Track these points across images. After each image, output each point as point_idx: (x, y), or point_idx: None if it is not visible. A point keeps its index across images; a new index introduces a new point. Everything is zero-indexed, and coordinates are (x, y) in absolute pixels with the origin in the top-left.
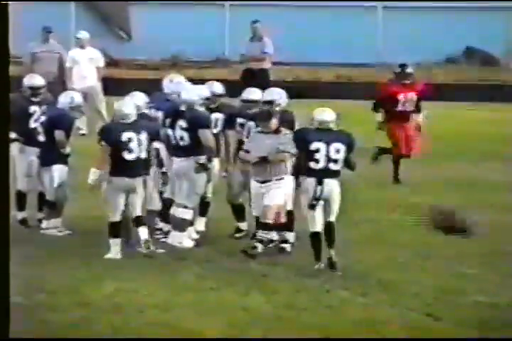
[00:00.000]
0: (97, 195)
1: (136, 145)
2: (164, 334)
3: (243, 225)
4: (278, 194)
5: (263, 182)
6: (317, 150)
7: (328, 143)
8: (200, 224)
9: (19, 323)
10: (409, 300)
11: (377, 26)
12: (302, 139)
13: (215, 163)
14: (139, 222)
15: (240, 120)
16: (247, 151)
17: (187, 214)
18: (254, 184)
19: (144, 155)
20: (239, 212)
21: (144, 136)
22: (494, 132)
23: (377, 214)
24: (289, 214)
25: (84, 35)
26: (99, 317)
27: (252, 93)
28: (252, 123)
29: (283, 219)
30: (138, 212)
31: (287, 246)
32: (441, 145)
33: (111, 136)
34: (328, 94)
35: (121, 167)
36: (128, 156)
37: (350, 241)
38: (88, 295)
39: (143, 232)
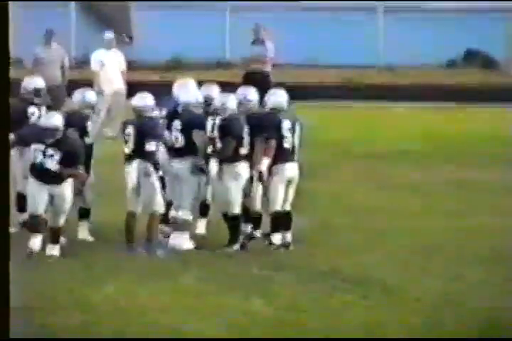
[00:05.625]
0: (99, 199)
1: None
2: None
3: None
4: None
5: None
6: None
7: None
8: (201, 226)
9: (19, 327)
10: (410, 303)
11: (378, 28)
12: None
13: (213, 166)
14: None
15: None
16: None
17: (187, 215)
18: None
19: None
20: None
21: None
22: (495, 134)
23: (378, 217)
24: (288, 214)
25: (110, 36)
26: (100, 320)
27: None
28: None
29: None
30: None
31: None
32: (441, 147)
33: None
34: (331, 96)
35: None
36: None
37: (351, 244)
38: (89, 298)
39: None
